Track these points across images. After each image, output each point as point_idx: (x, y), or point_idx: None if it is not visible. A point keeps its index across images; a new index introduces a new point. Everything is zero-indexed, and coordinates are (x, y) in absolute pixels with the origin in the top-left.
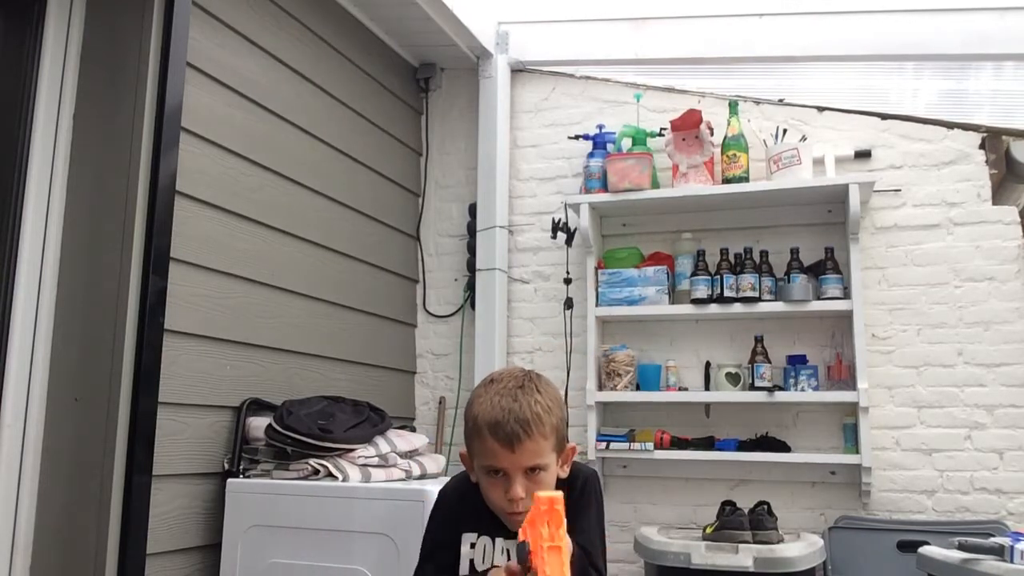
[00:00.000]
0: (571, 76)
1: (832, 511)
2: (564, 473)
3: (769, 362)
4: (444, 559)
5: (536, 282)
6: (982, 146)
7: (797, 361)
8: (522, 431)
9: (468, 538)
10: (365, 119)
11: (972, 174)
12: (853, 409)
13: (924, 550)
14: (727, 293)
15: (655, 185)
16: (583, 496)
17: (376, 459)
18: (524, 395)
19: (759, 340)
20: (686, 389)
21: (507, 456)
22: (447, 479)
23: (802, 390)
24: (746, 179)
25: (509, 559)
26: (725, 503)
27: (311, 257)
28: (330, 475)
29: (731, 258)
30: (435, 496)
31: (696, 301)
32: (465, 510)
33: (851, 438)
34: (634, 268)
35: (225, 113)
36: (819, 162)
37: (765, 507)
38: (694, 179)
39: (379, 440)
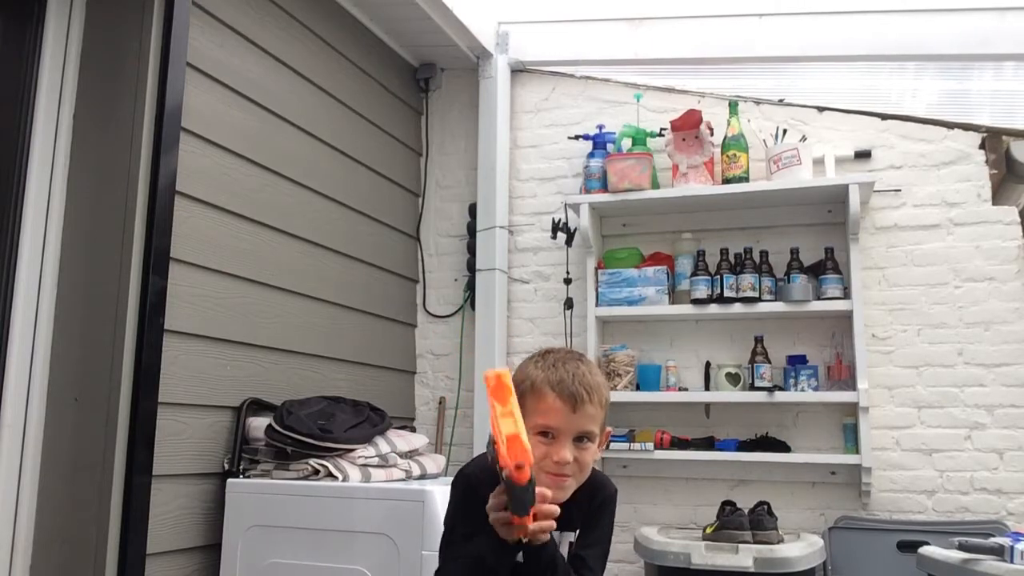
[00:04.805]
0: (571, 76)
1: (832, 511)
2: (598, 455)
3: (769, 362)
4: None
5: (536, 282)
6: (982, 146)
7: (797, 361)
8: (586, 393)
9: None
10: (365, 119)
11: (972, 174)
12: (853, 409)
13: (924, 550)
14: (727, 293)
15: (655, 185)
16: (602, 511)
17: (376, 459)
18: (584, 365)
19: (759, 340)
20: (686, 389)
21: (565, 416)
22: (448, 478)
23: (802, 390)
24: (746, 179)
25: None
26: (725, 503)
27: (311, 257)
28: (330, 475)
29: (731, 258)
30: (435, 496)
31: (696, 301)
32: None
33: (851, 438)
34: (634, 268)
35: (225, 113)
36: (819, 162)
37: (765, 507)
38: (694, 179)
39: (379, 440)
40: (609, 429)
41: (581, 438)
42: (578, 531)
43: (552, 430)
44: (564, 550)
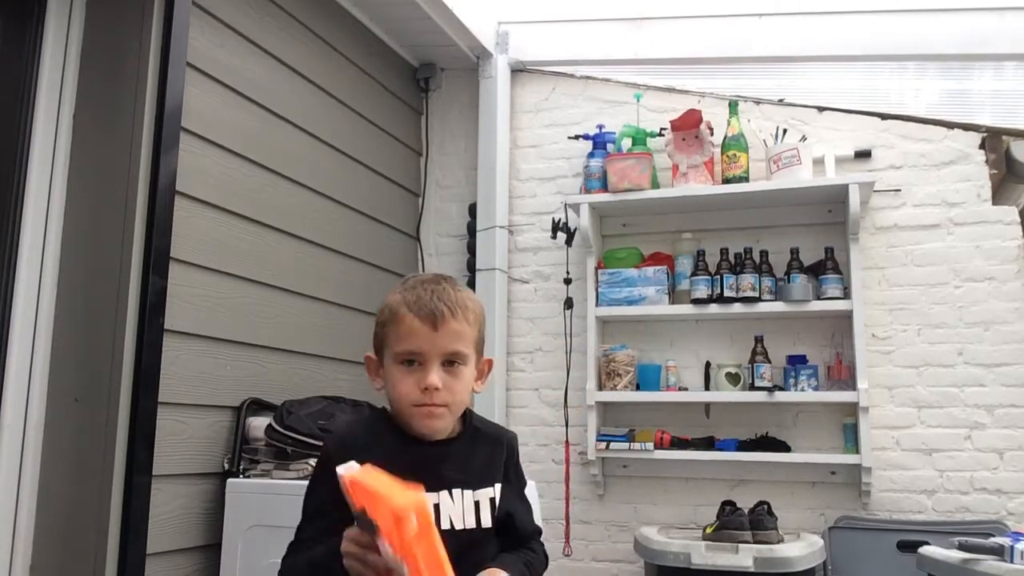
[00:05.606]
0: (571, 76)
1: (832, 511)
2: (480, 388)
3: (769, 362)
4: (335, 518)
5: (536, 282)
6: (982, 146)
7: (797, 361)
8: (447, 309)
9: None
10: (365, 119)
11: (972, 174)
12: (853, 409)
13: (924, 550)
14: (727, 293)
15: (655, 185)
16: (516, 461)
17: None
18: (447, 284)
19: (759, 340)
20: (686, 389)
21: (428, 336)
22: None
23: (802, 390)
24: (746, 179)
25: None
26: (725, 503)
27: (311, 257)
28: None
29: (731, 258)
30: None
31: (696, 301)
32: (369, 456)
33: (851, 438)
34: (634, 268)
35: (225, 113)
36: (819, 162)
37: (765, 507)
38: (694, 179)
39: None
40: (489, 358)
41: (451, 361)
42: (499, 485)
43: (416, 355)
44: (486, 510)
